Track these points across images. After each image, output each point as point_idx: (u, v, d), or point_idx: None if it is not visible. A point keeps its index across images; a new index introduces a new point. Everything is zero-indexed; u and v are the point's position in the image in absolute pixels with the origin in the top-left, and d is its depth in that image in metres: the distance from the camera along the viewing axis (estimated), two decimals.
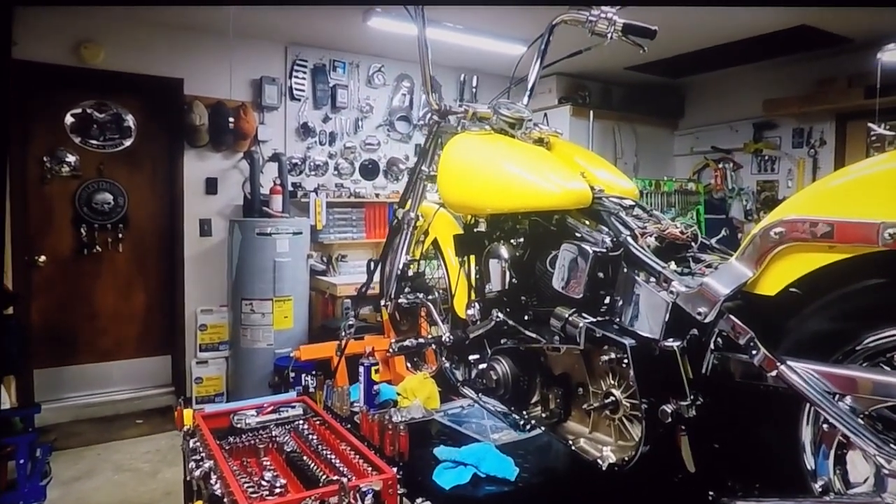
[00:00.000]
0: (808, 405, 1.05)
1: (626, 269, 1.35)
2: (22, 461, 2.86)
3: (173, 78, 4.18)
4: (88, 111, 4.08)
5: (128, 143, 4.22)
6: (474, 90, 4.97)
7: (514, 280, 1.63)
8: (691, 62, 4.96)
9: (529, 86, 2.03)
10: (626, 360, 1.28)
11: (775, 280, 1.06)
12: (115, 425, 4.04)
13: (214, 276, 4.35)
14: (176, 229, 4.34)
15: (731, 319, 1.11)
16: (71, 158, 4.05)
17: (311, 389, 2.14)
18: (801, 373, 1.00)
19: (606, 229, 1.45)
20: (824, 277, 1.01)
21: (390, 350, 1.82)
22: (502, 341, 1.72)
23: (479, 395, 1.84)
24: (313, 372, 2.23)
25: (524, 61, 2.08)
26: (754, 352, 1.06)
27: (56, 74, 3.88)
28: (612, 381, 1.38)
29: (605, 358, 1.30)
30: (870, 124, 3.94)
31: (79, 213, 4.09)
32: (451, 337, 1.75)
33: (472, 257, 1.87)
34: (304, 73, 4.56)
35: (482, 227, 1.74)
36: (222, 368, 4.34)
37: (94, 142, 4.12)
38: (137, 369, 4.38)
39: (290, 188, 4.41)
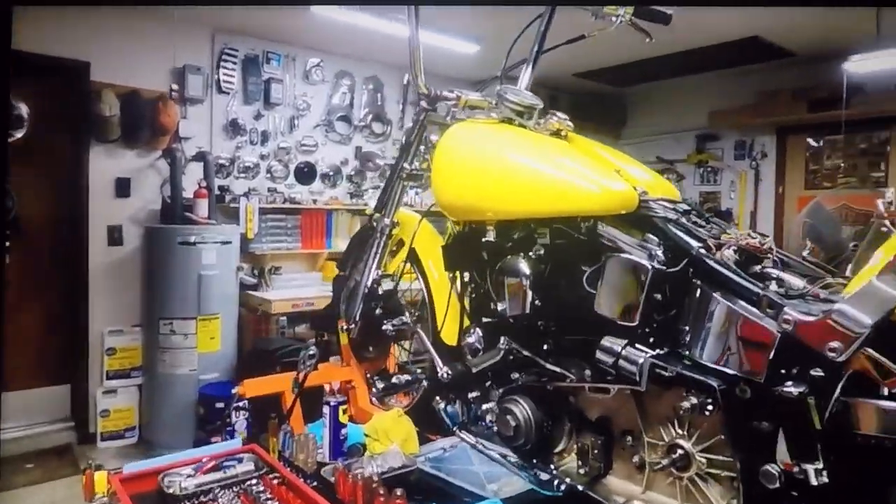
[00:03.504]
0: None
1: (700, 290, 1.07)
2: None
3: (77, 60, 3.59)
4: None
5: (18, 134, 3.57)
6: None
7: (536, 302, 1.32)
8: (639, 71, 4.90)
9: (528, 72, 1.75)
10: (710, 406, 1.00)
11: None
12: (1, 471, 3.37)
13: (125, 292, 3.76)
14: (79, 237, 3.72)
15: (873, 356, 0.85)
16: None
17: (241, 427, 1.74)
18: None
19: (658, 239, 1.18)
20: None
21: (373, 395, 1.45)
22: (513, 376, 1.41)
23: (478, 439, 1.52)
24: (245, 407, 1.83)
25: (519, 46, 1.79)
26: None
27: None
28: (679, 430, 1.10)
29: (682, 403, 1.02)
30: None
31: None
32: (450, 372, 1.42)
33: (466, 273, 1.55)
34: (234, 63, 4.08)
35: (490, 236, 1.42)
36: (134, 398, 3.75)
37: None
38: (29, 401, 3.70)
39: (218, 192, 3.92)
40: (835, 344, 0.86)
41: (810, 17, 3.62)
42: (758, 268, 1.11)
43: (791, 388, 0.89)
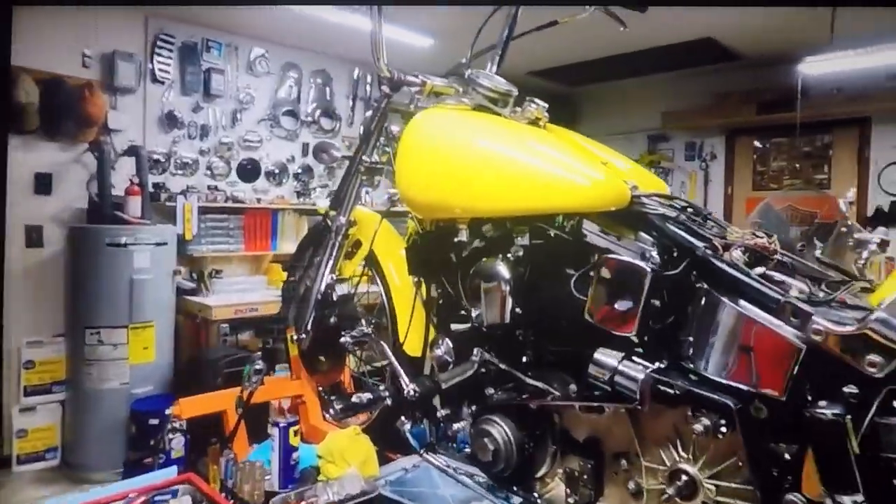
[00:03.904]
0: None
1: (707, 295, 0.95)
2: None
3: None
4: None
5: None
6: (368, 87, 4.38)
7: (516, 309, 1.18)
8: (592, 70, 4.86)
9: (497, 59, 1.61)
10: (723, 428, 0.88)
11: None
12: None
13: (46, 299, 3.41)
14: None
15: None
16: None
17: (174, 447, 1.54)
18: None
19: (654, 238, 1.06)
20: None
21: (330, 415, 1.28)
22: (488, 391, 1.27)
23: (448, 462, 1.37)
24: (181, 429, 1.62)
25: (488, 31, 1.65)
26: None
27: None
28: (683, 454, 0.98)
29: (692, 424, 0.90)
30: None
31: None
32: (417, 389, 1.25)
33: (434, 277, 1.40)
34: (170, 51, 3.79)
35: (462, 236, 1.27)
36: (56, 416, 3.40)
37: None
38: None
39: (152, 189, 3.62)
40: (874, 358, 0.76)
41: (764, 19, 3.64)
42: (761, 269, 1.00)
43: (825, 410, 0.78)
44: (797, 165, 4.72)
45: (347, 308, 1.70)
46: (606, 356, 1.01)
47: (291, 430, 1.54)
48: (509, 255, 1.21)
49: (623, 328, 1.00)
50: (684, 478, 0.97)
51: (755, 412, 0.88)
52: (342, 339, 1.34)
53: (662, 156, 5.28)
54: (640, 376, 0.96)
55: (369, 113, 1.51)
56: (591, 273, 1.07)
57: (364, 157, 1.53)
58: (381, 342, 1.37)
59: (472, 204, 1.22)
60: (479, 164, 1.19)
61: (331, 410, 1.24)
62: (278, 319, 1.98)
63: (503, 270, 1.18)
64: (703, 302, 0.96)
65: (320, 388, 1.95)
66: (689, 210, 1.11)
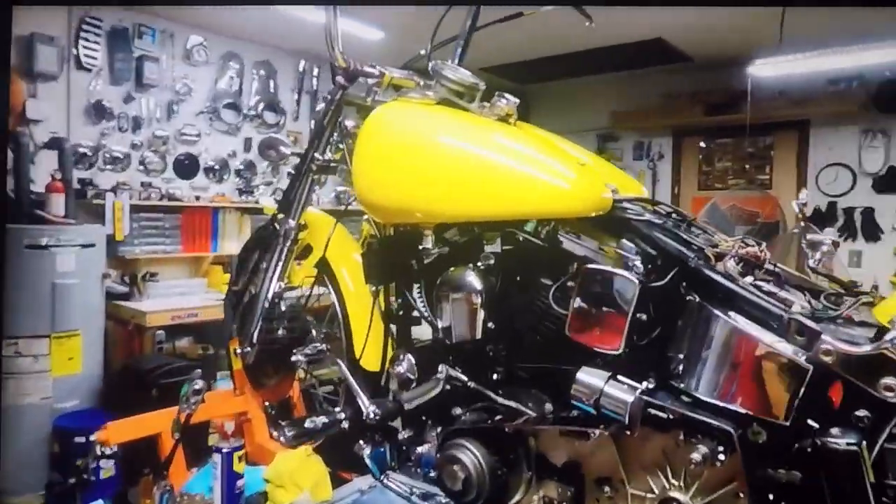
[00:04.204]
0: None
1: (700, 309, 0.88)
2: None
3: None
4: None
5: None
6: (315, 80, 4.18)
7: (488, 323, 1.08)
8: (542, 68, 4.84)
9: (460, 49, 1.51)
10: (721, 455, 0.81)
11: None
12: None
13: None
14: None
15: None
16: None
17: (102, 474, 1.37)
18: None
19: (637, 247, 0.98)
20: None
21: (281, 442, 1.14)
22: (456, 412, 1.17)
23: (412, 486, 1.26)
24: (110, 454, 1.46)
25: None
26: None
27: None
28: (673, 480, 0.90)
29: (688, 452, 0.82)
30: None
31: None
32: (378, 412, 1.14)
33: (393, 287, 1.29)
34: (98, 35, 3.50)
35: (427, 243, 1.15)
36: None
37: None
38: None
39: (78, 186, 3.33)
40: (890, 381, 0.70)
41: (713, 21, 3.68)
42: (750, 279, 0.94)
43: (838, 438, 0.71)
44: (741, 166, 4.84)
45: (297, 319, 1.57)
46: (591, 376, 0.93)
47: (236, 455, 1.39)
48: (479, 264, 1.11)
49: (608, 344, 0.92)
50: None
51: (752, 436, 0.82)
52: (294, 357, 1.21)
53: (611, 155, 5.31)
54: (629, 398, 0.88)
55: (321, 106, 1.38)
56: (572, 284, 0.98)
57: (316, 155, 1.40)
58: (339, 360, 1.25)
59: (438, 208, 1.11)
60: (447, 164, 1.09)
61: (282, 438, 1.12)
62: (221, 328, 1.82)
63: (474, 281, 1.08)
64: (694, 316, 0.89)
65: (267, 404, 1.80)
66: (674, 216, 1.04)
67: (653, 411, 0.87)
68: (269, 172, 4.31)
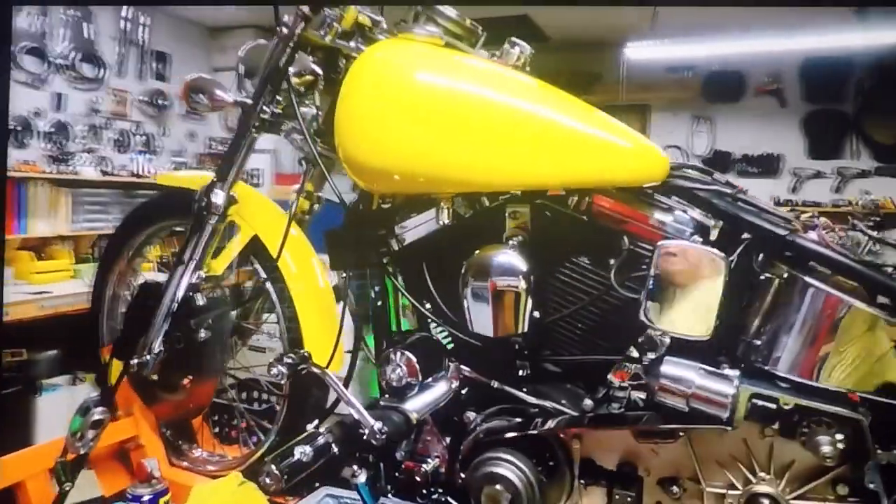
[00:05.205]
0: None
1: (802, 288, 0.80)
2: None
3: None
4: None
5: None
6: (143, 31, 3.77)
7: (535, 312, 0.91)
8: None
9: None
10: (839, 444, 0.75)
11: None
12: None
13: None
14: None
15: None
16: None
17: None
18: None
19: (699, 219, 0.88)
20: None
21: (265, 486, 0.85)
22: (468, 416, 0.99)
23: None
24: None
25: None
26: None
27: None
28: (761, 473, 0.83)
29: (820, 446, 0.74)
30: None
31: None
32: (386, 428, 0.90)
33: (375, 272, 1.07)
34: None
35: (443, 218, 0.94)
36: None
37: None
38: None
39: None
40: None
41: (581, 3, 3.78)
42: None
43: None
44: None
45: (223, 317, 1.24)
46: (680, 368, 0.80)
47: (161, 501, 1.05)
48: (513, 243, 0.92)
49: (696, 330, 0.81)
50: (765, 502, 0.82)
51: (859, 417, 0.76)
52: (273, 371, 0.91)
53: None
54: (730, 390, 0.78)
55: (272, 43, 1.06)
56: (635, 263, 0.85)
57: (265, 108, 1.08)
58: (327, 372, 0.97)
59: (463, 174, 0.91)
60: (482, 119, 0.88)
61: (267, 479, 0.83)
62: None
63: (518, 262, 0.89)
64: (792, 295, 0.80)
65: (164, 425, 1.43)
66: (727, 184, 0.95)
67: (759, 402, 0.78)
68: (90, 136, 3.57)
